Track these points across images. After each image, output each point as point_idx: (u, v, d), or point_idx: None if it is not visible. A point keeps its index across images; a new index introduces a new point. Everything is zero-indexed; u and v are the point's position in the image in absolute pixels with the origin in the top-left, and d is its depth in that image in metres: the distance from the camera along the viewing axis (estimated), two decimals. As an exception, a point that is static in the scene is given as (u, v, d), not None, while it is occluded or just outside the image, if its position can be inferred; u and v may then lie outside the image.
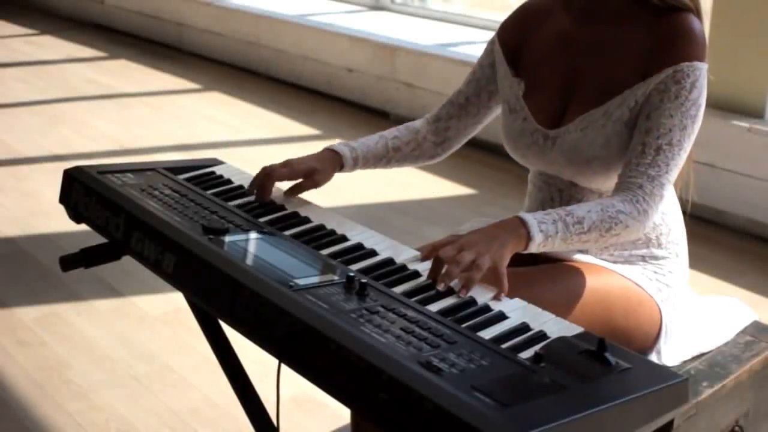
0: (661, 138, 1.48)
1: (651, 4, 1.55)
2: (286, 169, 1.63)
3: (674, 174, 1.50)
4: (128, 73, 6.02)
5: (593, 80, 1.59)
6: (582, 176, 1.60)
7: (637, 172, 1.48)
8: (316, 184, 1.66)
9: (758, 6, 3.51)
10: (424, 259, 1.38)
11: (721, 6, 3.58)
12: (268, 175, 1.61)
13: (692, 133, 1.51)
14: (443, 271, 1.31)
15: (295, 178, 1.65)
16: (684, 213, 1.69)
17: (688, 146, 1.50)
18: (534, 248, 1.38)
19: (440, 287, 1.29)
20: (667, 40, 1.51)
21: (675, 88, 1.49)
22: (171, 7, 6.64)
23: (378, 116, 5.09)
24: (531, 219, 1.38)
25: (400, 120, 4.99)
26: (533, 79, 1.67)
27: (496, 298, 1.29)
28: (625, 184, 1.48)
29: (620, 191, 1.48)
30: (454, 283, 1.30)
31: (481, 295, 1.29)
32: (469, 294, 1.28)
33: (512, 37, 1.72)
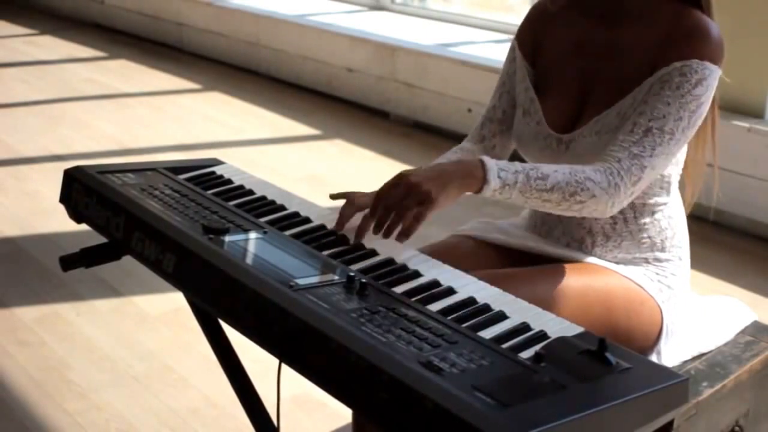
0: (653, 121, 1.46)
1: (672, 2, 1.54)
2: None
3: (661, 162, 1.47)
4: (128, 73, 6.02)
5: (607, 82, 1.58)
6: None
7: (620, 147, 1.46)
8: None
9: (758, 6, 3.51)
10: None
11: (721, 6, 3.57)
12: (367, 218, 1.43)
13: (687, 128, 1.48)
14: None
15: None
16: (706, 220, 1.68)
17: (681, 139, 1.48)
18: (488, 193, 1.37)
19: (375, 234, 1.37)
20: (680, 37, 1.50)
21: (678, 80, 1.47)
22: (171, 7, 6.64)
23: (378, 116, 5.09)
24: (491, 164, 1.37)
25: (400, 120, 4.99)
26: (548, 82, 1.66)
27: (397, 239, 1.34)
28: (604, 155, 1.47)
29: (597, 161, 1.47)
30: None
31: (395, 252, 1.36)
32: (384, 254, 1.36)
33: (529, 39, 1.70)
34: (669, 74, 1.48)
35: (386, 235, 1.37)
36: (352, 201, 1.51)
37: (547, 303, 1.34)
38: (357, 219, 1.48)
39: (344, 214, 1.49)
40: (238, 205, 1.58)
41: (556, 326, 1.21)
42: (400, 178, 1.36)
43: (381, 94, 5.08)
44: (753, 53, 3.51)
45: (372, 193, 1.46)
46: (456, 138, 4.27)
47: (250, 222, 1.50)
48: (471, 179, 1.35)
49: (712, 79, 1.49)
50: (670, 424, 1.36)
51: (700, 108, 1.49)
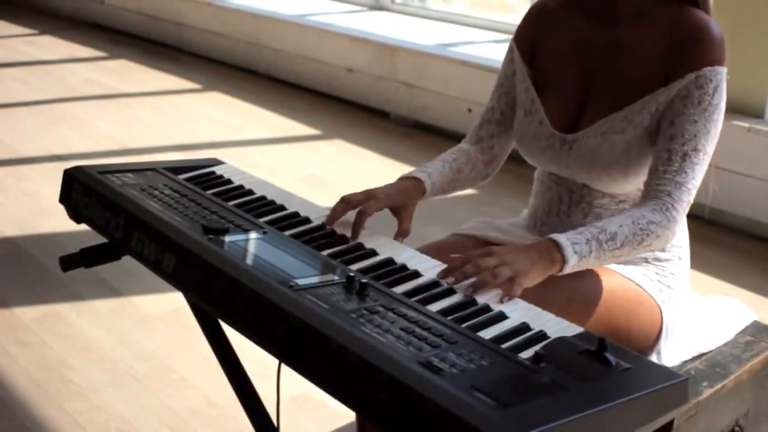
0: (686, 144, 1.48)
1: (671, 2, 1.55)
2: (373, 202, 1.52)
3: (700, 179, 1.50)
4: (128, 73, 6.02)
5: (611, 83, 1.58)
6: (599, 181, 1.59)
7: (664, 179, 1.48)
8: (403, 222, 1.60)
9: (758, 6, 3.51)
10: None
11: (721, 6, 3.57)
12: (361, 214, 1.49)
13: (715, 137, 1.51)
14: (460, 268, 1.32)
15: (381, 209, 1.56)
16: (701, 218, 1.69)
17: (711, 150, 1.51)
18: (569, 270, 1.39)
19: (448, 281, 1.30)
20: (688, 43, 1.51)
21: (698, 94, 1.49)
22: (171, 7, 6.64)
23: (378, 116, 5.09)
24: (564, 241, 1.38)
25: (400, 120, 4.99)
26: (549, 82, 1.66)
27: (501, 300, 1.27)
28: (653, 192, 1.49)
29: (648, 199, 1.49)
30: (464, 286, 1.29)
31: (486, 296, 1.28)
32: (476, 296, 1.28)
33: (528, 39, 1.70)
34: (686, 88, 1.50)
35: (456, 282, 1.31)
36: (346, 200, 1.53)
37: (547, 303, 1.33)
38: (350, 215, 1.51)
39: (337, 210, 1.51)
40: (237, 205, 1.58)
41: (556, 326, 1.21)
42: (491, 250, 1.36)
43: (381, 94, 5.08)
44: (753, 53, 3.51)
45: (364, 190, 1.54)
46: (456, 138, 4.28)
47: (250, 222, 1.50)
48: (551, 263, 1.38)
49: (723, 81, 1.52)
50: (670, 424, 1.36)
51: (721, 114, 1.52)
